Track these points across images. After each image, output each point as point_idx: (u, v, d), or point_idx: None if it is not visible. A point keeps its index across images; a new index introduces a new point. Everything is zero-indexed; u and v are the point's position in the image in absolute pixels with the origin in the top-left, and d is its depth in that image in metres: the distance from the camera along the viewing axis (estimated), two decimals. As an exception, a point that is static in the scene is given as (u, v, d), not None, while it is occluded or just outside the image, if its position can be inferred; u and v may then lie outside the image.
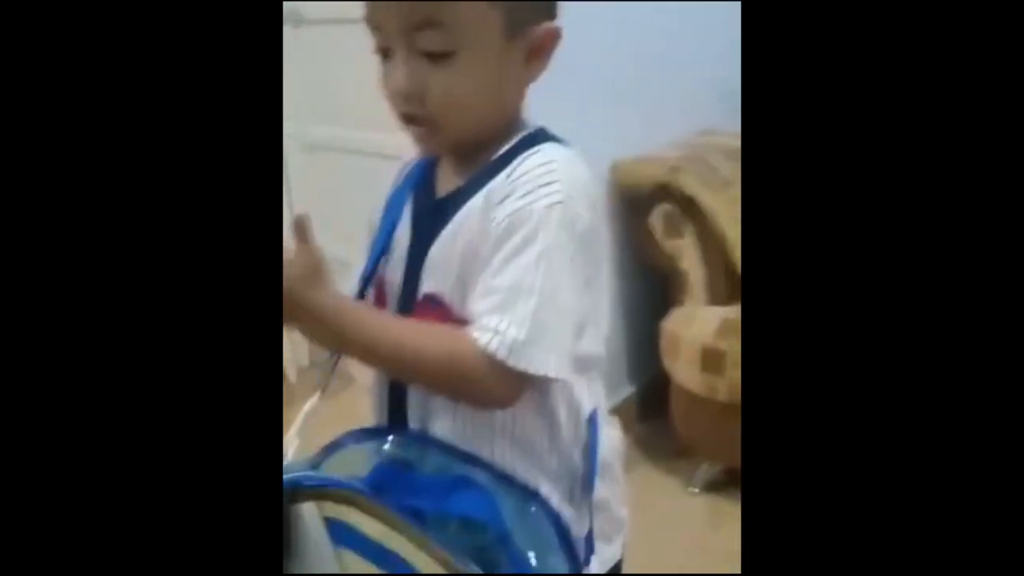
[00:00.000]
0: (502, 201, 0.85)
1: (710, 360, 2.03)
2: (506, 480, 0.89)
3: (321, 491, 0.79)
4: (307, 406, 0.92)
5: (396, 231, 0.98)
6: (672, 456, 2.28)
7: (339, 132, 2.80)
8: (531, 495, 0.90)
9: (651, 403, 2.37)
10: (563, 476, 0.93)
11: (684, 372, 2.09)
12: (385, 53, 0.87)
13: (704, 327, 2.07)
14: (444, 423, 0.92)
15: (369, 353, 0.87)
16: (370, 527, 0.79)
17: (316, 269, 0.83)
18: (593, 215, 0.86)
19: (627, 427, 2.58)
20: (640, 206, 2.21)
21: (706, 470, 2.18)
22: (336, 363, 0.95)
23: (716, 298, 2.16)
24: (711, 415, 2.08)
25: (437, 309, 0.91)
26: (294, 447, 0.87)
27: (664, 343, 2.14)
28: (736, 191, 2.15)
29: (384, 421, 0.99)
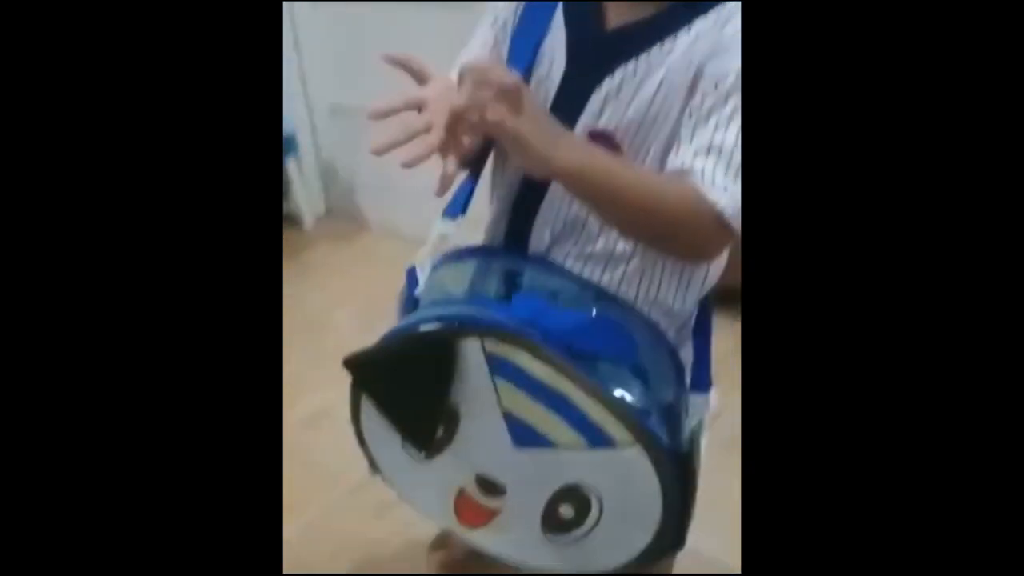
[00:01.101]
0: (721, 55, 0.82)
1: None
2: (644, 321, 0.94)
3: (491, 330, 0.83)
4: (438, 229, 0.92)
5: (542, 51, 0.93)
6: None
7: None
8: (658, 332, 0.94)
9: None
10: (680, 316, 0.98)
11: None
12: None
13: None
14: (574, 265, 0.94)
15: (613, 202, 0.84)
16: (535, 367, 0.82)
17: (548, 129, 0.80)
18: None
19: None
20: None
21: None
22: None
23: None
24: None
25: (605, 146, 0.88)
26: (426, 265, 0.93)
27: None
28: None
29: (499, 243, 1.01)
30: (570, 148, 0.81)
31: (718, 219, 0.82)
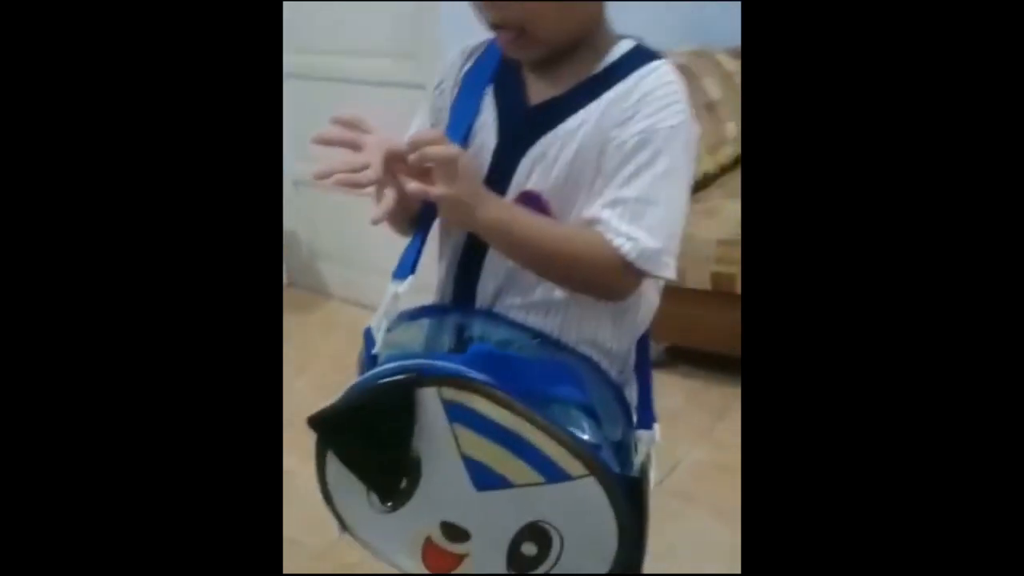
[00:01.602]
0: (629, 119, 0.93)
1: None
2: (581, 357, 1.01)
3: (445, 378, 0.89)
4: (392, 290, 0.98)
5: (475, 127, 1.03)
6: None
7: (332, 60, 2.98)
8: (600, 372, 1.02)
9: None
10: (619, 356, 1.06)
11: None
12: None
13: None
14: (516, 314, 1.02)
15: (526, 252, 0.96)
16: (491, 410, 0.88)
17: (477, 190, 0.92)
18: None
19: None
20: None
21: (651, 349, 2.47)
22: None
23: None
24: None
25: (534, 205, 0.98)
26: (383, 328, 0.98)
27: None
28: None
29: (448, 301, 1.09)
30: (494, 207, 0.94)
31: (622, 261, 0.93)
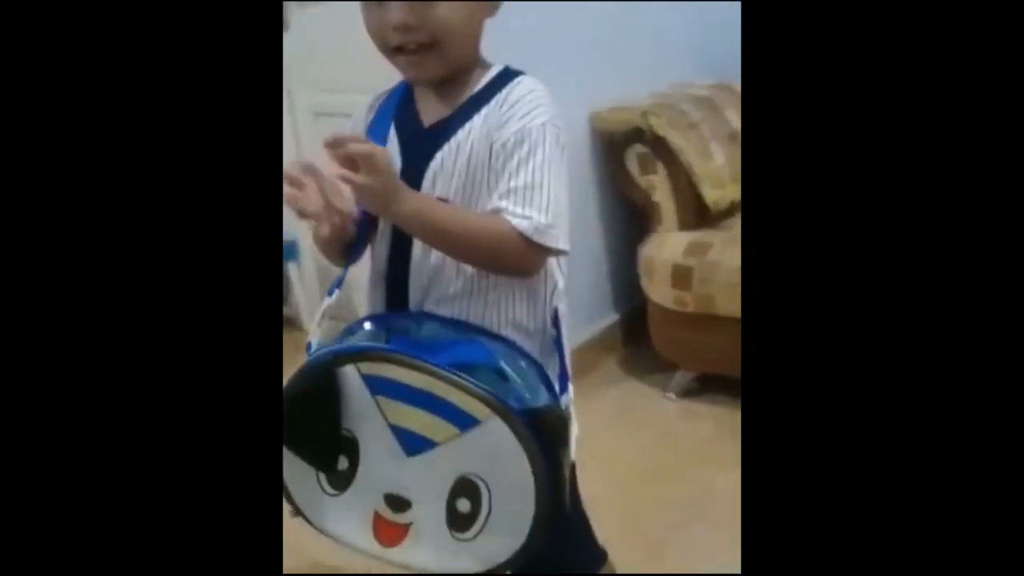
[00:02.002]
0: (505, 123, 1.09)
1: (679, 277, 2.33)
2: (498, 337, 1.13)
3: (361, 354, 1.01)
4: (325, 304, 1.16)
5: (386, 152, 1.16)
6: (652, 372, 2.59)
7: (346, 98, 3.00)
8: (517, 348, 1.13)
9: (633, 330, 2.70)
10: (537, 332, 1.18)
11: (658, 289, 2.40)
12: None
13: (675, 249, 2.37)
14: (444, 307, 1.14)
15: (441, 237, 1.09)
16: (405, 375, 0.98)
17: (396, 183, 1.04)
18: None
19: (612, 350, 2.92)
20: (617, 148, 2.49)
21: (680, 378, 2.49)
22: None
23: (685, 224, 2.45)
24: (681, 325, 2.40)
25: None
26: (317, 334, 1.12)
27: (641, 266, 2.45)
28: (703, 130, 2.42)
29: (382, 308, 1.21)
30: (411, 197, 1.07)
31: (522, 238, 1.06)
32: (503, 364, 1.06)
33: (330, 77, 3.15)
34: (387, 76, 1.19)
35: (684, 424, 2.39)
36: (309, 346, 1.12)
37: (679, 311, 2.37)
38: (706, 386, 2.47)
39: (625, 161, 2.47)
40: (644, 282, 2.44)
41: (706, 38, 2.86)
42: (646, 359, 2.60)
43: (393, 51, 1.11)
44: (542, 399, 1.06)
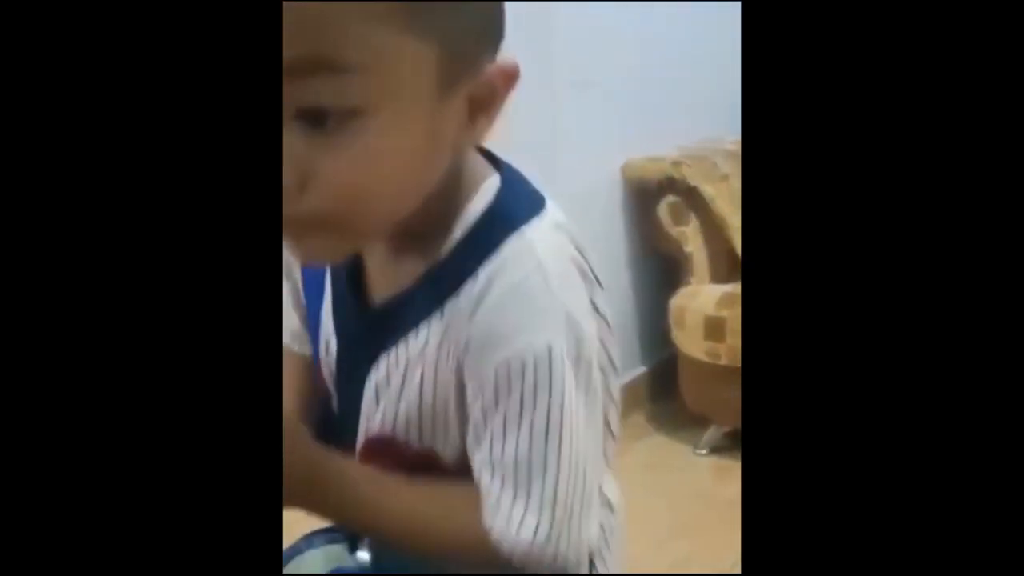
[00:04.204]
0: (475, 353, 0.66)
1: (712, 328, 2.28)
2: None
3: None
4: None
5: (321, 324, 0.79)
6: (682, 427, 2.52)
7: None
8: None
9: (662, 382, 2.62)
10: None
11: (689, 341, 2.35)
12: None
13: (707, 300, 2.33)
14: None
15: (382, 538, 0.76)
16: None
17: (310, 470, 0.68)
18: (593, 288, 0.71)
19: (639, 404, 2.88)
20: (648, 199, 2.47)
21: (711, 434, 2.43)
22: None
23: (718, 277, 2.42)
24: (714, 378, 2.33)
25: (389, 451, 0.74)
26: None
27: (672, 317, 2.40)
28: (734, 183, 2.40)
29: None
30: (332, 484, 0.70)
31: (495, 553, 0.68)
32: None
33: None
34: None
35: (716, 481, 2.33)
36: None
37: (711, 363, 2.31)
38: (735, 442, 2.42)
39: (657, 211, 2.46)
40: (675, 333, 2.40)
41: (738, 97, 2.86)
42: (675, 414, 2.54)
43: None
44: None
